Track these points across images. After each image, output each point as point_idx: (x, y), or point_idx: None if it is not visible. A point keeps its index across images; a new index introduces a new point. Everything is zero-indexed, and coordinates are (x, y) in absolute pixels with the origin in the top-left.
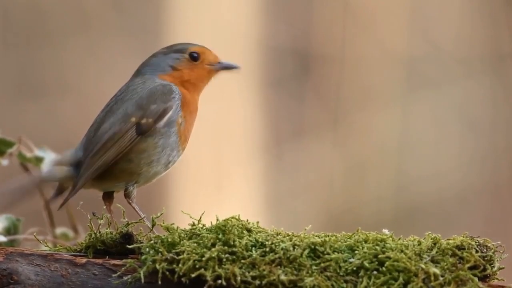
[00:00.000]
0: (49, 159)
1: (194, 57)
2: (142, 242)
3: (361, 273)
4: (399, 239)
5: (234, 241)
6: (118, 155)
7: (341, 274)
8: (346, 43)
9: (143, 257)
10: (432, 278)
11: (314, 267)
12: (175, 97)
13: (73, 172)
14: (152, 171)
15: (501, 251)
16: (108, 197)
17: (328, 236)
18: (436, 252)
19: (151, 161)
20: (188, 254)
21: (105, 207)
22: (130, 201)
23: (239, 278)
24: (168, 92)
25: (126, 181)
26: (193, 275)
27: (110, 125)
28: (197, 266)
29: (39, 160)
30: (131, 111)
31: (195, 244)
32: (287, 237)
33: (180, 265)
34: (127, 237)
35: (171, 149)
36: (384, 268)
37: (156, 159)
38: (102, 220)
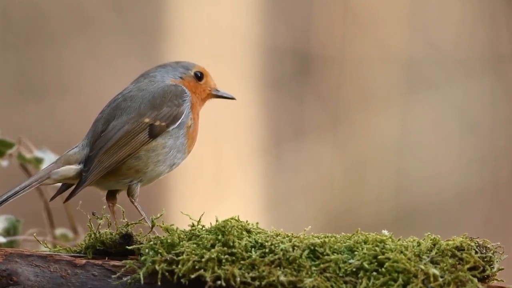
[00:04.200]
0: (52, 158)
1: (198, 77)
2: (141, 243)
3: (361, 274)
4: (398, 240)
5: (233, 242)
6: (130, 155)
7: (341, 275)
8: (346, 43)
9: (142, 258)
10: (432, 279)
11: (313, 268)
12: (186, 99)
13: (81, 169)
14: (158, 171)
15: (501, 252)
16: (111, 197)
17: (327, 237)
18: (436, 253)
19: (158, 160)
20: (187, 255)
21: (105, 207)
22: (133, 200)
23: (238, 279)
24: (180, 94)
25: (131, 178)
26: (192, 276)
27: (122, 123)
28: (196, 267)
29: (38, 161)
30: (144, 110)
31: (195, 245)
32: (286, 238)
33: (179, 266)
34: (127, 238)
35: (177, 151)
36: (383, 269)
37: (162, 159)
38: (101, 220)
